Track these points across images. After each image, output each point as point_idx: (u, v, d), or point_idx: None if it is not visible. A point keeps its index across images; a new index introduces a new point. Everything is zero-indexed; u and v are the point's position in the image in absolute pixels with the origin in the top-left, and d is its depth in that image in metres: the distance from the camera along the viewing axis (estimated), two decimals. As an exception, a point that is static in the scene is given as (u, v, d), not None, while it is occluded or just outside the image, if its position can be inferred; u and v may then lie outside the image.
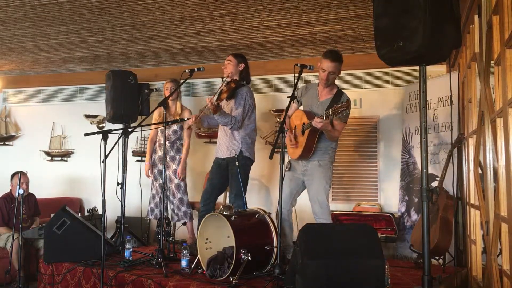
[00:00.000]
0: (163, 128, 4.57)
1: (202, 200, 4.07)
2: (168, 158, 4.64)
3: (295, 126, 3.72)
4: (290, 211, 3.73)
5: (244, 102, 3.94)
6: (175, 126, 4.64)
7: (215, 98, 3.74)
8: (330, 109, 3.25)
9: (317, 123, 3.33)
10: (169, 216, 4.68)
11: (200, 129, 5.55)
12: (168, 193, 4.66)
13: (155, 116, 4.80)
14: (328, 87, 3.64)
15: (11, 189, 4.94)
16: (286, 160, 3.75)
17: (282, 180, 3.18)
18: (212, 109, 3.70)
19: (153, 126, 4.81)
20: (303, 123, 3.60)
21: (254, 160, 4.05)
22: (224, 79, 4.00)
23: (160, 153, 4.68)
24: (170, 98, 4.64)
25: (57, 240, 3.82)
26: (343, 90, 3.68)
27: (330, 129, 3.42)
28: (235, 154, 3.85)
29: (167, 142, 4.61)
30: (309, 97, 3.74)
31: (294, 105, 3.80)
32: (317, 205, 3.55)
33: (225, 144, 4.01)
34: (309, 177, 3.62)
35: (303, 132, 3.58)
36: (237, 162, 3.80)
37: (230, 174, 3.97)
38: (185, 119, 4.41)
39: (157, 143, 4.81)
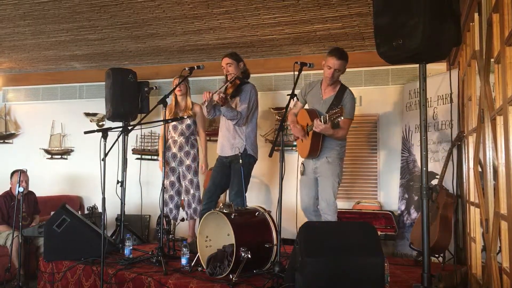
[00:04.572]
0: (174, 123, 4.56)
1: (205, 198, 4.08)
2: (182, 154, 4.58)
3: (301, 126, 3.73)
4: (317, 212, 3.71)
5: (249, 98, 3.94)
6: (188, 121, 4.56)
7: (223, 89, 3.74)
8: (327, 115, 3.26)
9: (317, 126, 3.35)
10: (174, 215, 4.62)
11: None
12: (181, 190, 4.62)
13: (167, 113, 4.70)
14: (332, 84, 3.65)
15: (11, 187, 4.94)
16: (299, 161, 3.77)
17: (282, 178, 3.16)
18: (220, 101, 3.70)
19: (154, 124, 4.78)
20: (307, 124, 3.62)
21: (257, 158, 4.05)
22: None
23: (174, 149, 4.60)
24: (180, 94, 4.62)
25: (57, 238, 3.82)
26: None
27: (331, 133, 3.45)
28: (239, 152, 3.85)
29: (181, 137, 4.58)
30: (312, 96, 3.77)
31: (299, 104, 3.83)
32: (324, 202, 3.58)
33: (229, 142, 4.00)
34: (320, 174, 3.66)
35: (307, 133, 3.60)
36: (240, 161, 3.80)
37: (232, 171, 3.96)
38: (185, 117, 4.39)
39: (170, 140, 4.62)
